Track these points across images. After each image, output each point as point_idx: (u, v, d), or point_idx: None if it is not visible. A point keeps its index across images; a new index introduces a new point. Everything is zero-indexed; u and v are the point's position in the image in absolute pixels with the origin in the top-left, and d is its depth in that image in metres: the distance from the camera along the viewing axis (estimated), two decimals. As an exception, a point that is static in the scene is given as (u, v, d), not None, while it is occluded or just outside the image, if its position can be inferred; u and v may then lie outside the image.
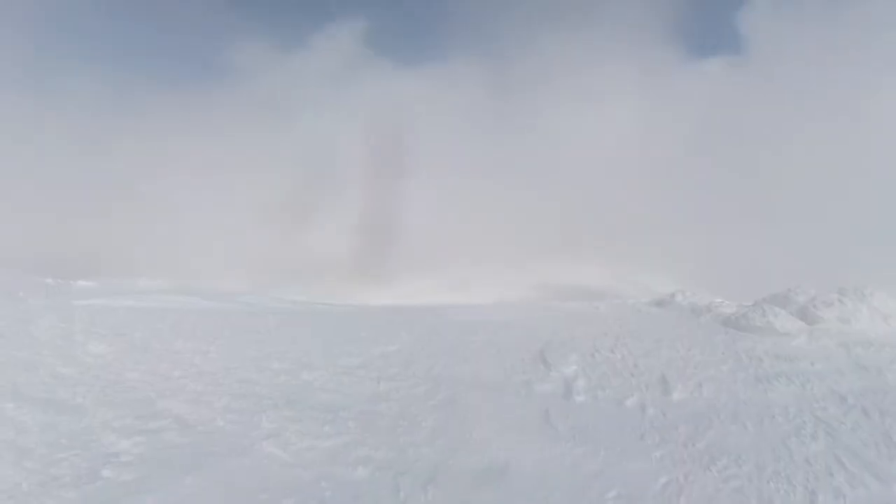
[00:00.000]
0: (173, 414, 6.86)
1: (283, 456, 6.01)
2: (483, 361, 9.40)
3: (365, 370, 8.84)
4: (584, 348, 10.20)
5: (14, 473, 5.28)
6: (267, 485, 5.43)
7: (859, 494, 5.81)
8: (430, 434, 6.86)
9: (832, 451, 6.67)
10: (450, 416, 7.38)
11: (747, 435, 7.19)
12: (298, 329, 10.54)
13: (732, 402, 8.23)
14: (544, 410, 7.65)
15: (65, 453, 5.68)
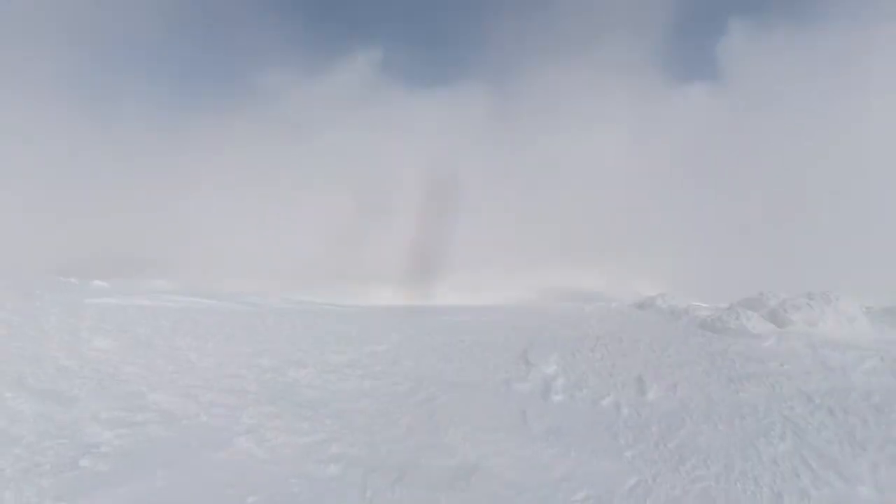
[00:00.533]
0: (161, 407, 6.55)
1: (258, 452, 5.69)
2: (467, 361, 8.96)
3: (351, 368, 8.43)
4: (566, 348, 9.78)
5: (4, 460, 5.12)
6: (237, 480, 5.11)
7: (824, 495, 5.44)
8: (405, 432, 6.47)
9: (799, 451, 6.29)
10: (426, 415, 7.00)
11: (718, 434, 6.79)
12: (295, 328, 10.15)
13: (705, 402, 7.84)
14: (521, 410, 7.23)
15: (51, 442, 5.48)
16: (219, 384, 7.40)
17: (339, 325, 10.70)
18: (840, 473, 5.80)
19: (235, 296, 12.96)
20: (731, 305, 12.34)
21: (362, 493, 5.07)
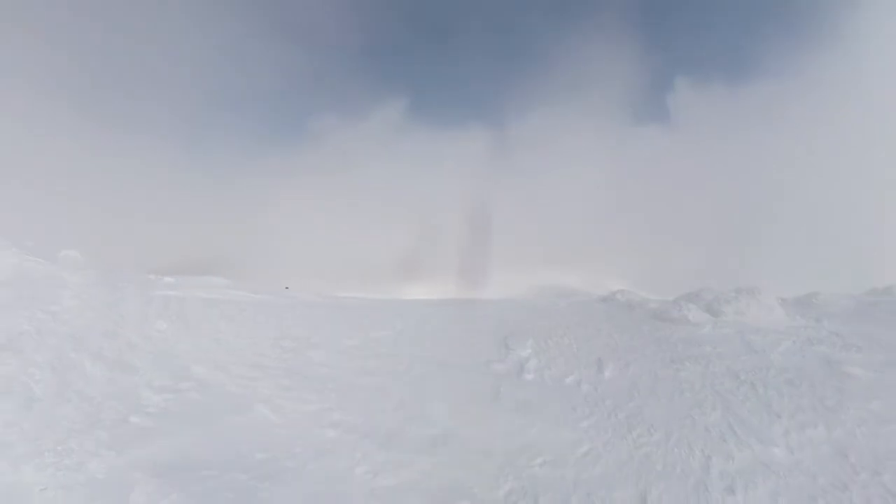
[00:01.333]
0: (200, 377, 6.45)
1: (272, 417, 5.61)
2: (457, 345, 8.66)
3: (359, 350, 8.16)
4: (540, 335, 9.45)
5: (75, 414, 5.30)
6: (252, 439, 5.09)
7: (745, 456, 5.27)
8: (397, 404, 6.30)
9: (726, 419, 6.08)
10: (417, 390, 6.81)
11: (660, 407, 6.56)
12: (318, 317, 9.89)
13: (651, 379, 7.61)
14: (496, 387, 6.92)
15: (113, 401, 5.55)
16: (247, 360, 7.20)
17: (355, 314, 10.36)
18: (759, 438, 5.59)
19: (277, 290, 12.55)
20: (675, 299, 11.88)
21: (352, 454, 4.96)
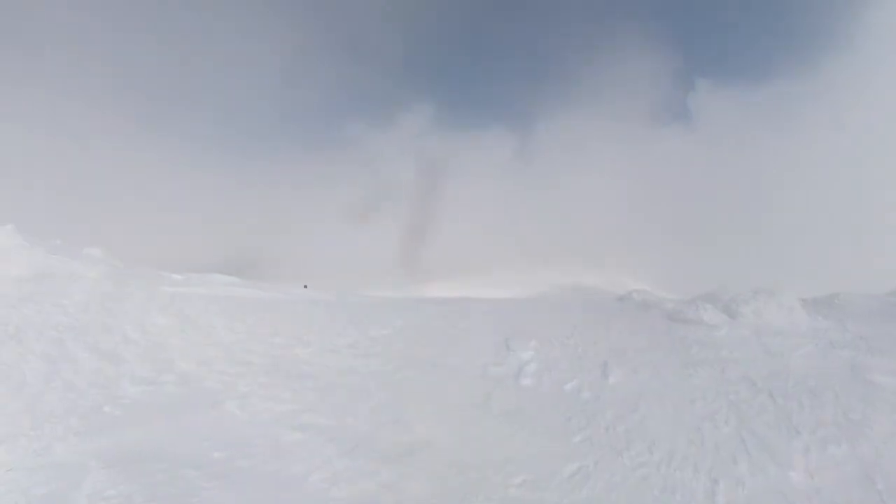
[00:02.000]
0: (182, 371, 6.22)
1: (241, 415, 5.28)
2: (456, 345, 8.10)
3: (350, 348, 7.68)
4: (546, 335, 8.82)
5: (57, 401, 5.32)
6: (215, 435, 4.78)
7: (758, 482, 4.54)
8: (374, 407, 5.85)
9: (739, 434, 5.37)
10: (400, 393, 6.32)
11: (667, 418, 5.90)
12: (321, 315, 9.37)
13: (660, 386, 7.00)
14: (488, 392, 6.28)
15: (94, 390, 5.49)
16: (233, 357, 6.85)
17: (359, 312, 9.83)
18: (775, 458, 4.88)
19: (278, 287, 12.15)
20: (692, 299, 11.00)
21: (311, 458, 4.49)
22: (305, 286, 17.70)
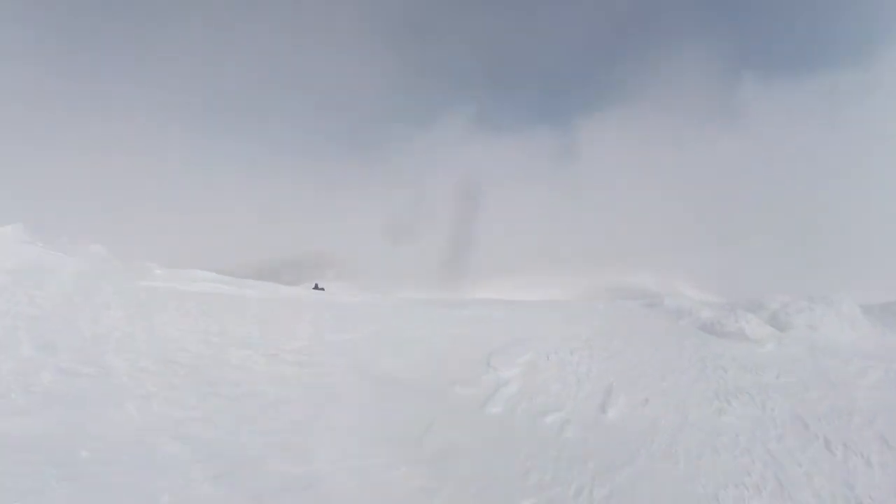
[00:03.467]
0: (105, 366, 5.48)
1: (136, 416, 4.53)
2: (428, 356, 6.75)
3: (296, 355, 6.48)
4: (546, 349, 7.37)
5: None
6: (98, 434, 4.14)
7: None
8: (280, 426, 4.62)
9: None
10: (323, 412, 4.95)
11: (673, 479, 4.27)
12: (288, 316, 8.29)
13: (675, 425, 5.38)
14: (430, 421, 4.72)
15: (15, 377, 5.00)
16: (163, 354, 5.97)
17: (338, 314, 8.61)
18: None
19: (268, 285, 11.17)
20: (732, 307, 9.14)
21: (173, 477, 3.64)
22: (316, 286, 16.72)
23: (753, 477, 4.27)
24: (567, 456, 4.46)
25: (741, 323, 8.18)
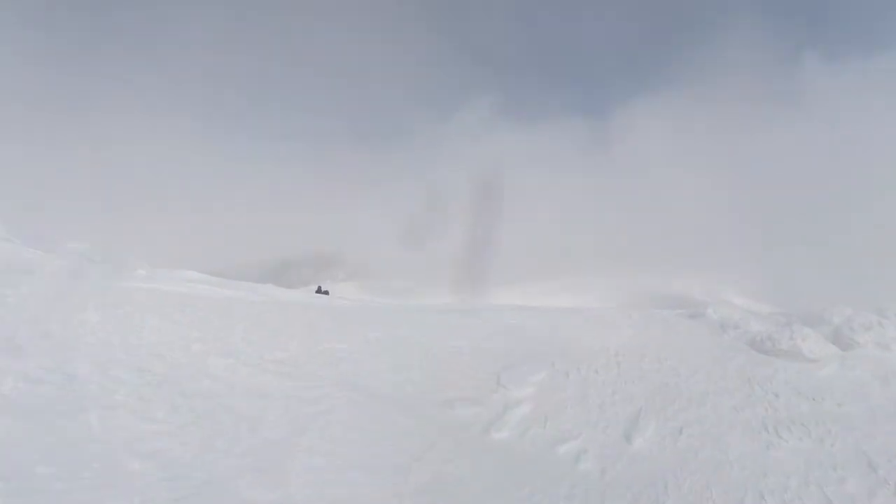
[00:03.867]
0: (75, 372, 5.13)
1: (97, 429, 4.23)
2: (430, 371, 6.09)
3: (279, 365, 5.87)
4: (566, 365, 6.66)
5: None
6: (57, 444, 3.88)
7: None
8: (256, 446, 4.22)
9: None
10: (303, 432, 4.48)
11: None
12: (277, 321, 7.69)
13: (713, 462, 4.58)
14: (421, 449, 4.08)
15: None
16: (136, 361, 5.59)
17: (336, 318, 8.11)
18: None
19: (262, 288, 10.82)
20: (787, 320, 8.13)
21: (129, 498, 3.35)
22: (319, 289, 16.34)
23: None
24: (581, 493, 3.81)
25: (797, 339, 7.28)
